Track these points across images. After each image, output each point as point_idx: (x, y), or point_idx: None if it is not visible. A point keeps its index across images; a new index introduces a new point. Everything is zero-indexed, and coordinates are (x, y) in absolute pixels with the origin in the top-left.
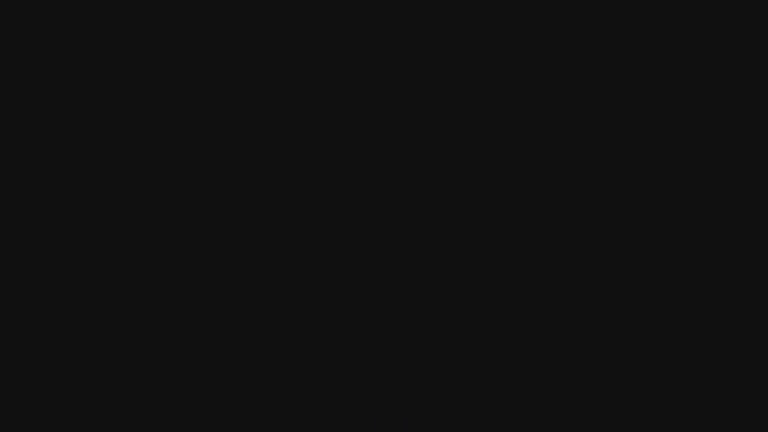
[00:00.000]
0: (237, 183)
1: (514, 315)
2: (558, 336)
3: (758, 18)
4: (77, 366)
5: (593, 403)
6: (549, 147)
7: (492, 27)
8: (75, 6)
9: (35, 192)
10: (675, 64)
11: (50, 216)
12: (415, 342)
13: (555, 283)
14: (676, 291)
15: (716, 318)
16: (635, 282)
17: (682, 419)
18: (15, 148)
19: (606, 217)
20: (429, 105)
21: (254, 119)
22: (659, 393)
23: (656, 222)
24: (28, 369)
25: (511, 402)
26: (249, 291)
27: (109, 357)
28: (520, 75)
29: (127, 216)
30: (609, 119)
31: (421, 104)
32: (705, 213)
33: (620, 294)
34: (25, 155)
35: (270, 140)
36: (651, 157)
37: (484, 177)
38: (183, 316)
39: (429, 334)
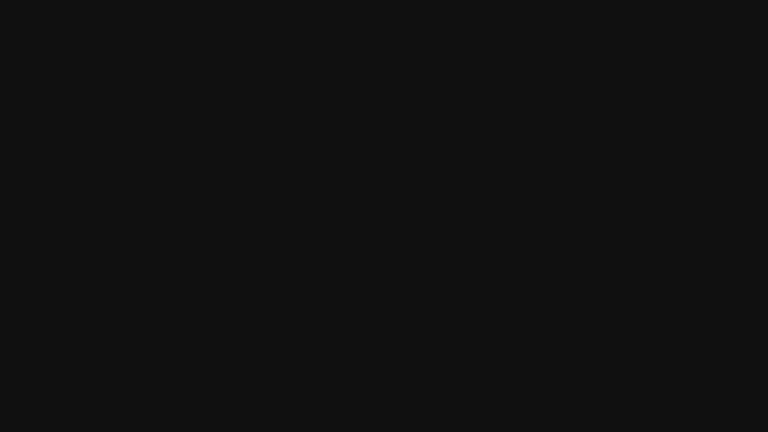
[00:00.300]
0: (237, 183)
1: (514, 315)
2: (558, 336)
3: (758, 18)
4: (77, 366)
5: (593, 403)
6: (549, 147)
7: (492, 27)
8: (75, 6)
9: (35, 192)
10: (675, 64)
11: (50, 216)
12: (415, 342)
13: (555, 283)
14: (676, 291)
15: (716, 318)
16: (635, 282)
17: (682, 419)
18: (15, 148)
19: (606, 217)
20: (429, 105)
21: (254, 119)
22: (659, 393)
23: (656, 222)
24: (28, 369)
25: (511, 402)
26: (249, 291)
27: (109, 357)
28: (520, 75)
29: (127, 216)
30: (609, 119)
31: (421, 105)
32: (705, 213)
33: (620, 294)
34: (25, 155)
35: (270, 140)
36: (651, 157)
37: (484, 177)
38: (183, 316)
39: (429, 334)
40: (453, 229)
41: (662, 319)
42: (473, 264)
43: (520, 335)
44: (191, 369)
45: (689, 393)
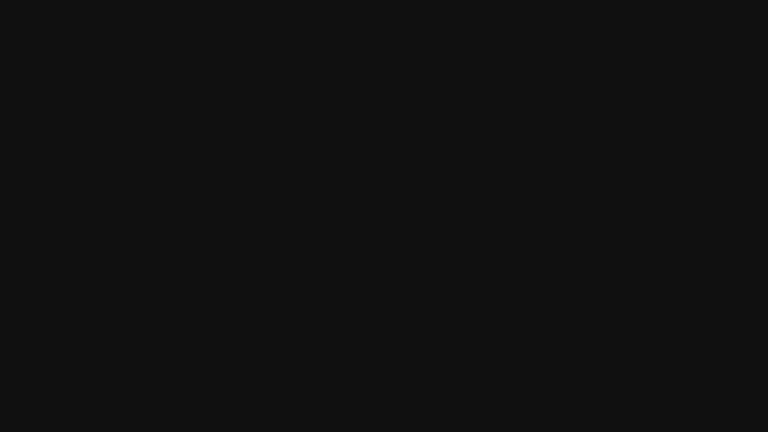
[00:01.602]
0: (237, 183)
1: (514, 315)
2: (558, 336)
3: (758, 18)
4: (77, 366)
5: (593, 403)
6: (549, 147)
7: (492, 27)
8: (74, 6)
9: (35, 192)
10: (675, 64)
11: (50, 216)
12: (415, 342)
13: (555, 283)
14: (676, 291)
15: (716, 318)
16: (635, 282)
17: (682, 419)
18: (15, 148)
19: (606, 217)
20: (429, 106)
21: (254, 119)
22: (659, 393)
23: (656, 222)
24: (28, 369)
25: (511, 402)
26: (249, 291)
27: (109, 357)
28: (520, 75)
29: (127, 216)
30: (609, 119)
31: (421, 105)
32: (705, 213)
33: (620, 294)
34: (25, 155)
35: (270, 140)
36: (651, 157)
37: (484, 177)
38: (183, 316)
39: (429, 334)
40: (453, 228)
41: (662, 320)
42: (473, 263)
43: (520, 335)
44: (191, 369)
45: (689, 393)
